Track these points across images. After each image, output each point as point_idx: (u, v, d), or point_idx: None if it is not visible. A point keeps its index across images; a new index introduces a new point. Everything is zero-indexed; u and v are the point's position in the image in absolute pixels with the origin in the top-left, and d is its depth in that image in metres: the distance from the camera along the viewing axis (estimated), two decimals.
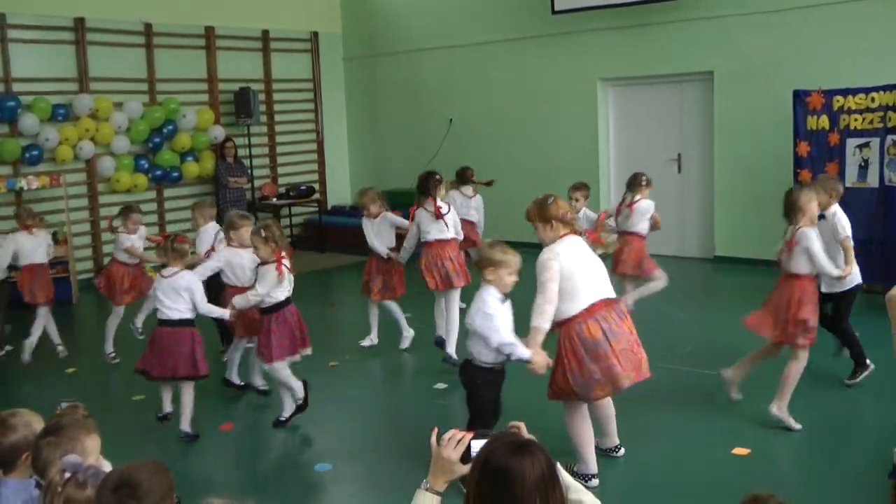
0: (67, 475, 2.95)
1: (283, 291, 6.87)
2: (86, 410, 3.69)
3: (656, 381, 7.78)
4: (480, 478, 2.57)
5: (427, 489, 2.91)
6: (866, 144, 10.08)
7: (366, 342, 9.15)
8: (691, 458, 6.01)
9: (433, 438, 2.97)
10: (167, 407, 7.18)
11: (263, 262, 6.89)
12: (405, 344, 8.98)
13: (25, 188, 11.94)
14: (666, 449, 6.27)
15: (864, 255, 9.74)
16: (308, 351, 7.06)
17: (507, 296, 5.52)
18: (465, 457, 2.84)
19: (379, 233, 8.76)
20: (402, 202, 11.04)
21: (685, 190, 13.13)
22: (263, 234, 6.81)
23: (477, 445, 2.82)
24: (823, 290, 6.97)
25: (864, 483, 5.50)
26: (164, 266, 7.08)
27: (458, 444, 2.87)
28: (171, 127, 13.99)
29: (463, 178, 10.86)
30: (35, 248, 9.24)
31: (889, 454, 5.45)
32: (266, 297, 6.82)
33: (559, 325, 5.47)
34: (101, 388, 8.37)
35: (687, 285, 9.78)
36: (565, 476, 2.88)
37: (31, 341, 9.08)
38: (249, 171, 14.75)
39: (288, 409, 7.03)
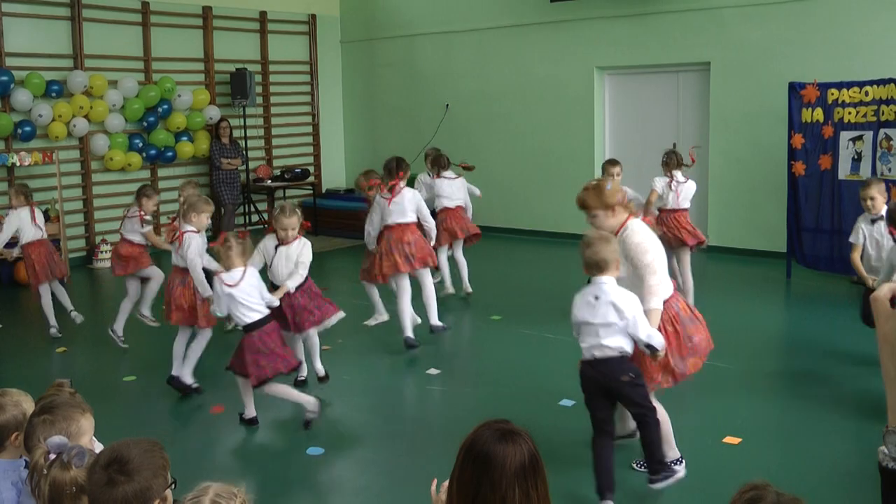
0: (52, 456, 2.95)
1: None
2: (72, 387, 3.69)
3: None
4: (464, 462, 2.60)
5: None
6: (859, 137, 10.11)
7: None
8: (682, 446, 6.01)
9: (433, 488, 3.00)
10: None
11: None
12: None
13: (18, 164, 11.89)
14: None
15: None
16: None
17: None
18: None
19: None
20: None
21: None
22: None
23: None
24: None
25: (855, 470, 5.53)
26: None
27: None
28: (166, 106, 13.94)
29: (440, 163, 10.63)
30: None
31: (877, 442, 5.46)
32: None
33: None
34: (92, 368, 8.36)
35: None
36: None
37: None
38: (244, 152, 14.72)
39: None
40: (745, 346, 8.23)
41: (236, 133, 14.70)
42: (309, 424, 6.60)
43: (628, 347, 5.04)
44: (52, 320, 9.26)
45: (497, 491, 2.51)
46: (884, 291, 2.76)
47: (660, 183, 9.12)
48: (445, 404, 7.27)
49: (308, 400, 6.66)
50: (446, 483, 2.86)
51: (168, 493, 2.81)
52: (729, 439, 6.14)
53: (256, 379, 6.44)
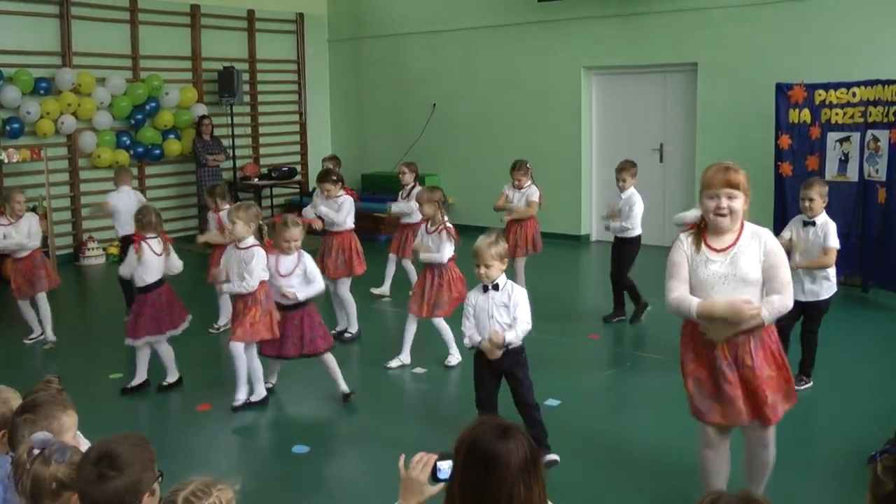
0: (36, 452, 2.96)
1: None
2: (60, 384, 3.69)
3: (636, 368, 7.87)
4: (466, 462, 2.61)
5: None
6: (847, 139, 10.14)
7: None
8: (669, 445, 6.05)
9: (401, 463, 3.01)
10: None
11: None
12: None
13: (6, 161, 11.87)
14: (644, 434, 6.32)
15: (842, 247, 9.87)
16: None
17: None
18: (433, 477, 2.91)
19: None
20: (384, 186, 11.04)
21: (667, 180, 13.17)
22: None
23: (442, 465, 2.89)
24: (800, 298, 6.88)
25: (841, 469, 5.56)
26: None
27: (424, 466, 2.92)
28: (153, 104, 13.92)
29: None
30: None
31: (864, 442, 5.50)
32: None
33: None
34: (79, 365, 8.34)
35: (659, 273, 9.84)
36: None
37: None
38: (231, 150, 14.71)
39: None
40: None
41: (224, 131, 14.69)
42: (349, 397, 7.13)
43: None
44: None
45: (503, 488, 2.53)
46: None
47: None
48: (431, 403, 7.29)
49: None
50: (416, 458, 2.92)
51: (156, 486, 2.84)
52: None
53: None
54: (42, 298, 8.97)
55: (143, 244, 7.35)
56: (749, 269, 4.44)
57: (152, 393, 7.49)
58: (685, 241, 4.60)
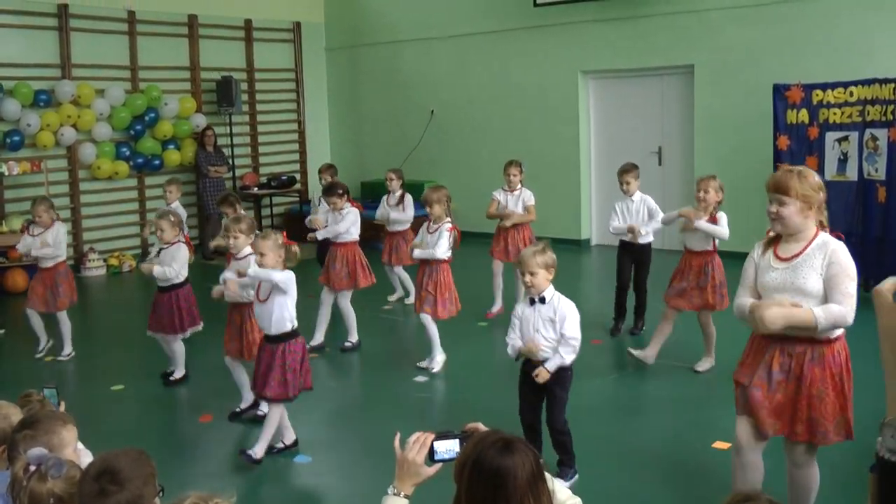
0: (32, 468, 2.96)
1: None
2: (38, 394, 3.71)
3: (639, 374, 7.86)
4: (472, 480, 2.57)
5: (395, 494, 2.93)
6: (845, 138, 10.14)
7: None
8: (672, 451, 6.05)
9: (396, 443, 2.98)
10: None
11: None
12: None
13: (6, 173, 11.90)
14: (647, 439, 6.31)
15: None
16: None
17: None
18: (429, 458, 2.89)
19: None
20: (383, 193, 11.02)
21: (666, 183, 13.17)
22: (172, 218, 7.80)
23: (439, 446, 2.88)
24: None
25: (844, 476, 5.55)
26: None
27: (421, 447, 2.90)
28: (152, 115, 13.95)
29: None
30: None
31: (868, 447, 5.48)
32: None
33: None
34: (80, 378, 8.35)
35: (667, 277, 9.77)
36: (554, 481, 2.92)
37: None
38: (230, 160, 14.73)
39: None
40: (732, 351, 8.22)
41: (223, 141, 14.71)
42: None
43: None
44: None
45: (512, 502, 2.51)
46: (887, 286, 2.70)
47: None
48: (432, 412, 7.28)
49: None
50: (412, 438, 2.91)
51: (157, 500, 2.84)
52: (718, 444, 6.16)
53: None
54: (63, 316, 8.89)
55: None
56: (807, 280, 4.34)
57: (153, 405, 7.50)
58: (757, 248, 4.59)
